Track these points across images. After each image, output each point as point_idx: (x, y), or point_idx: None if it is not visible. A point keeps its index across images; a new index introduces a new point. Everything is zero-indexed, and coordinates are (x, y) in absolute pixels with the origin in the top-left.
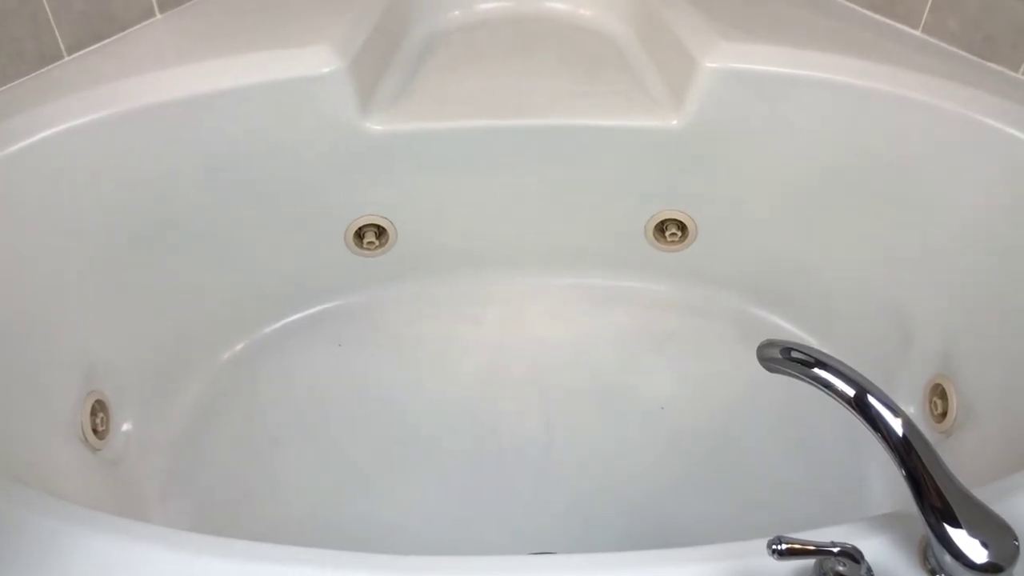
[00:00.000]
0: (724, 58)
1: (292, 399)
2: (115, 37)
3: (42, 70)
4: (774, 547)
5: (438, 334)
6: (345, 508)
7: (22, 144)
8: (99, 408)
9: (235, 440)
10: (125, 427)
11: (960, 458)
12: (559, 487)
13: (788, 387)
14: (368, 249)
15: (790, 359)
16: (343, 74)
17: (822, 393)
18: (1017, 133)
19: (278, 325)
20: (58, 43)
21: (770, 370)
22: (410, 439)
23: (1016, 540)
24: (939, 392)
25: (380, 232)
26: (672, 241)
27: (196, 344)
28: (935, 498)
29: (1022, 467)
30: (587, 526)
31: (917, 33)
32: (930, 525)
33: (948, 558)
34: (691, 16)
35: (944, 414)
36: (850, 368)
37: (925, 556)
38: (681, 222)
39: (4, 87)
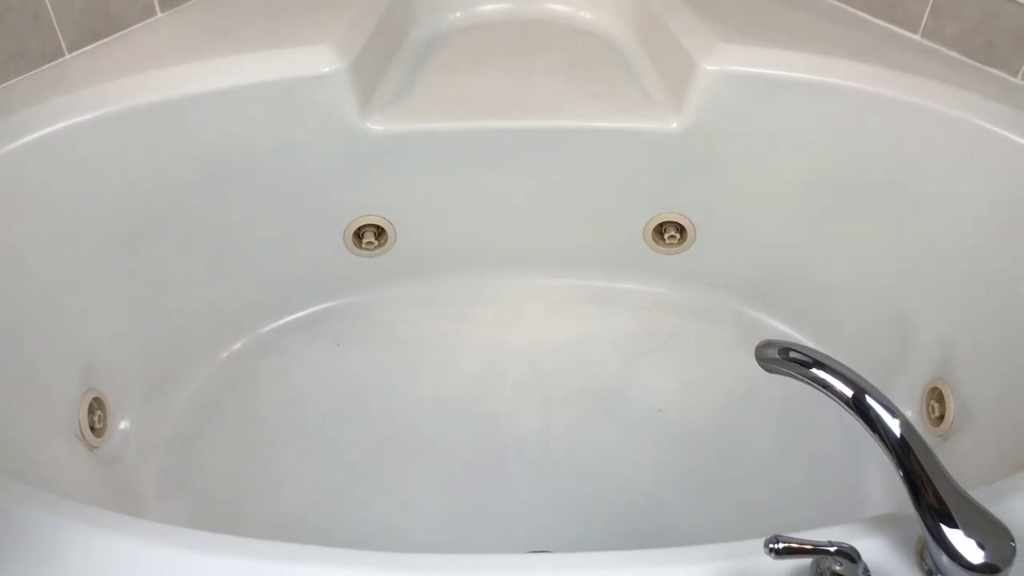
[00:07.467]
0: (724, 61)
1: (290, 398)
2: (116, 35)
3: (43, 68)
4: (771, 546)
5: (437, 335)
6: (342, 507)
7: (22, 141)
8: (97, 406)
9: (233, 439)
10: (123, 425)
11: (957, 462)
12: (557, 488)
13: (786, 388)
14: (367, 249)
15: (788, 359)
16: (344, 74)
17: (820, 394)
18: (1016, 138)
19: (277, 324)
20: (59, 41)
21: (768, 370)
22: (408, 439)
23: (1012, 541)
24: (936, 396)
25: (379, 232)
26: (671, 243)
27: (194, 343)
28: (932, 499)
29: (1018, 470)
30: (584, 526)
31: (917, 37)
32: (927, 525)
33: (945, 559)
34: (691, 19)
35: (941, 417)
36: (848, 368)
37: (922, 556)
38: (680, 224)
39: (5, 84)
